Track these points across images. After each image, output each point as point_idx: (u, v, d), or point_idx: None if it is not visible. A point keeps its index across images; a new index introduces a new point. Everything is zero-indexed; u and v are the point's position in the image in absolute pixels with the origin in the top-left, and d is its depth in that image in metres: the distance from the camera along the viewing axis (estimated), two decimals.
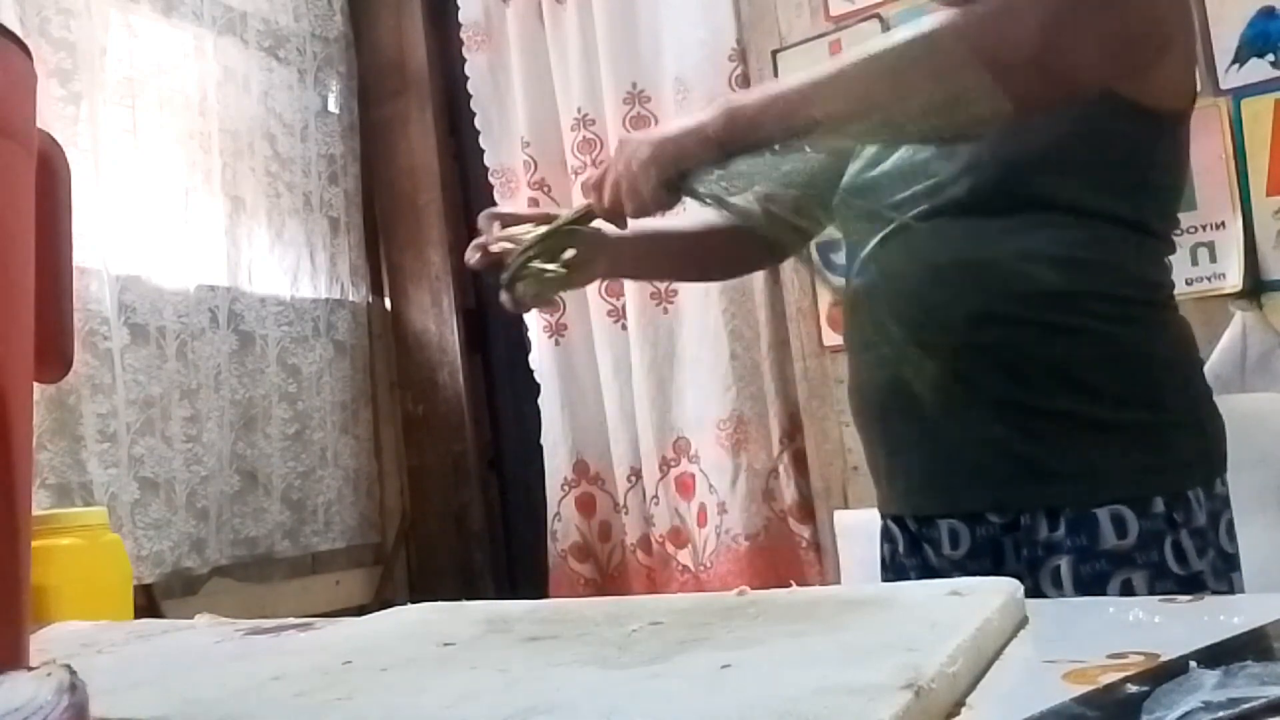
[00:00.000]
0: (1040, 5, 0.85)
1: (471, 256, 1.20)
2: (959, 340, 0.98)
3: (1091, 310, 0.96)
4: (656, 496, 2.50)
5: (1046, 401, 0.96)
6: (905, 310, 1.01)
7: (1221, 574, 0.95)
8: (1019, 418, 0.96)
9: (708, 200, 0.98)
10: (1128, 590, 0.92)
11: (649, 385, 2.49)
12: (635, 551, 2.57)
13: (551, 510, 2.68)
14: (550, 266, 1.10)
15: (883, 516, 1.13)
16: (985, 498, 1.00)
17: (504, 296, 1.14)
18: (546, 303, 1.17)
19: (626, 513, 2.59)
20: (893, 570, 1.10)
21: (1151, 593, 0.91)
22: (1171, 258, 1.04)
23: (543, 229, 1.13)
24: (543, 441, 2.71)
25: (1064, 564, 0.94)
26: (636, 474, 2.57)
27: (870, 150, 1.10)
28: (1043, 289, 0.96)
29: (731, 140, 0.94)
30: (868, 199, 1.06)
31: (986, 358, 0.97)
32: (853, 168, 1.12)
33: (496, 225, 1.20)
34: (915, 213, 0.99)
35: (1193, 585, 0.92)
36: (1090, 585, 0.92)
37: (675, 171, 0.96)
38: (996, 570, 0.97)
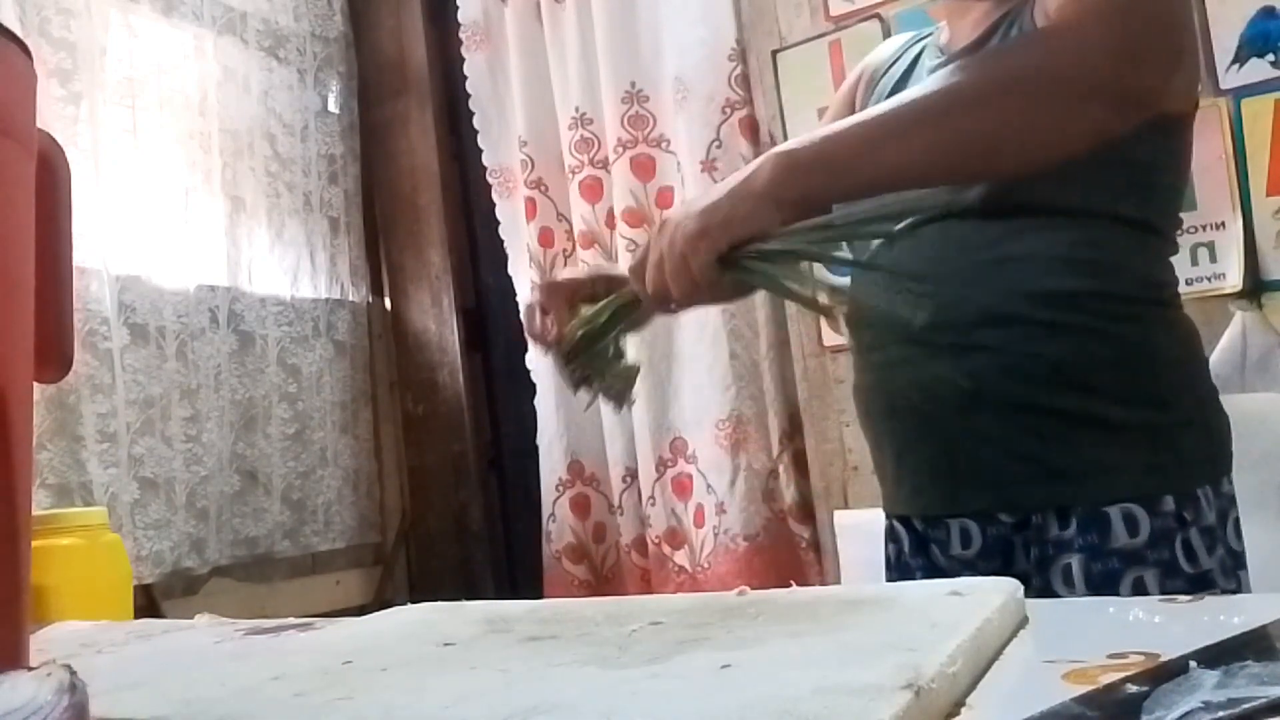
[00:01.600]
0: (1112, 31, 0.83)
1: (540, 350, 1.06)
2: (968, 341, 0.98)
3: (1100, 310, 0.96)
4: (653, 497, 2.50)
5: (1056, 401, 0.96)
6: None
7: (1230, 572, 0.95)
8: (1029, 418, 0.97)
9: (764, 278, 0.87)
10: (1139, 588, 0.92)
11: (646, 385, 2.48)
12: (630, 552, 2.57)
13: (546, 511, 2.68)
14: (620, 362, 0.98)
15: (888, 516, 1.13)
16: (996, 498, 1.00)
17: (579, 391, 1.02)
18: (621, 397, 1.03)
19: (622, 514, 2.59)
20: (898, 570, 1.10)
21: (1163, 591, 0.91)
22: (1174, 257, 1.05)
23: (591, 312, 0.99)
24: (538, 442, 2.71)
25: (1076, 562, 0.94)
26: (632, 475, 2.57)
27: None
28: (1051, 289, 0.96)
29: (788, 196, 0.85)
30: (873, 199, 1.06)
31: (996, 358, 0.97)
32: None
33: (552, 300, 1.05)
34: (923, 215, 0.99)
35: (1202, 583, 0.93)
36: (1102, 583, 0.93)
37: (727, 243, 0.85)
38: (1007, 569, 0.97)
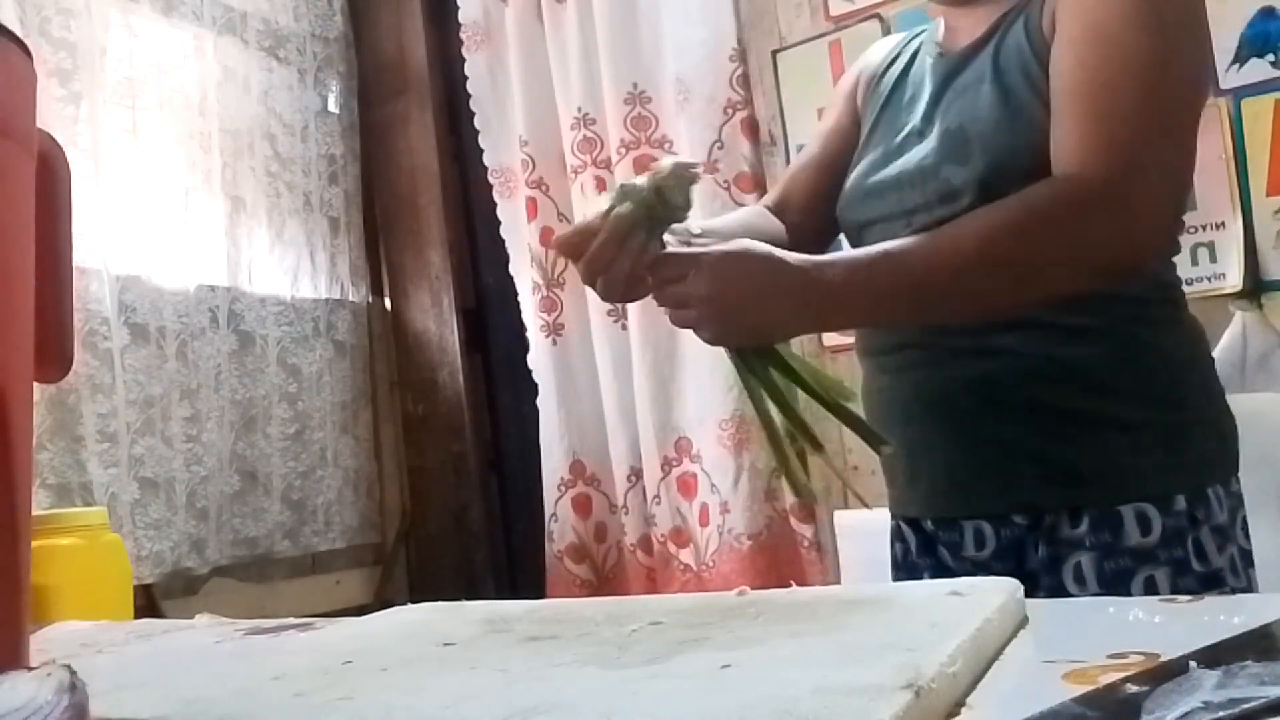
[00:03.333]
0: (1155, 187, 0.87)
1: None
2: (983, 345, 0.98)
3: (1110, 312, 0.96)
4: (658, 496, 2.50)
5: (1072, 403, 0.97)
6: None
7: (1240, 570, 0.96)
8: (1045, 420, 0.97)
9: (752, 378, 0.92)
10: (1151, 586, 0.92)
11: (650, 385, 2.49)
12: (636, 551, 2.57)
13: (548, 511, 2.68)
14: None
15: (894, 517, 1.13)
16: (1012, 499, 1.00)
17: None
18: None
19: (626, 513, 2.59)
20: (905, 570, 1.10)
21: (1174, 589, 0.92)
22: (1174, 257, 1.05)
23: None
24: (540, 442, 2.71)
25: (1087, 561, 0.94)
26: (637, 474, 2.57)
27: (874, 153, 1.10)
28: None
29: (824, 326, 0.89)
30: (877, 203, 1.06)
31: (1011, 361, 0.98)
32: (858, 169, 1.11)
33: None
34: (931, 217, 0.99)
35: (1213, 582, 0.93)
36: (1114, 582, 0.93)
37: (747, 346, 0.91)
38: (1020, 569, 0.97)
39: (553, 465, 2.68)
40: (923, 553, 1.08)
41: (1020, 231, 0.87)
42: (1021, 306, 0.93)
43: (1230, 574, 0.95)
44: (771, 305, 0.87)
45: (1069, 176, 0.88)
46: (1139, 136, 0.87)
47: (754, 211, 1.22)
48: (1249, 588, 0.96)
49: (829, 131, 1.23)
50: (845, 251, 0.98)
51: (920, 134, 1.04)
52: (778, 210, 1.20)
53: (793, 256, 0.89)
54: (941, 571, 1.04)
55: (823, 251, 1.20)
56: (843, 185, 1.13)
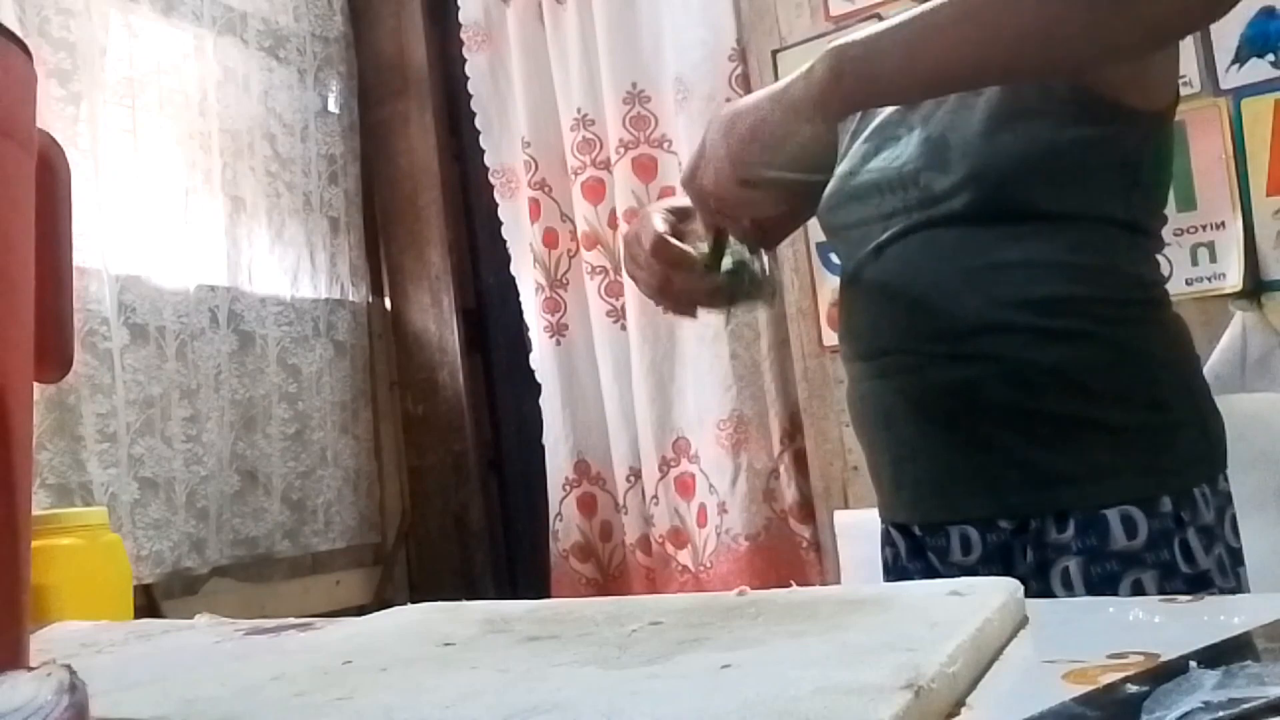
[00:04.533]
0: None
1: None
2: (963, 349, 0.98)
3: (1092, 314, 0.96)
4: (656, 496, 2.50)
5: (1054, 406, 0.96)
6: (906, 319, 1.01)
7: (1228, 570, 0.95)
8: (1027, 424, 0.97)
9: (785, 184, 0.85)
10: (1138, 590, 0.92)
11: (649, 385, 2.49)
12: (635, 552, 2.57)
13: (553, 510, 2.69)
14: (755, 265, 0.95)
15: (884, 522, 1.13)
16: (996, 504, 1.00)
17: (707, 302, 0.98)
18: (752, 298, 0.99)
19: (626, 513, 2.59)
20: (895, 574, 1.10)
21: (1161, 592, 0.91)
22: (1166, 255, 1.04)
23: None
24: (544, 441, 2.71)
25: (1074, 565, 0.94)
26: (636, 474, 2.57)
27: (853, 156, 1.09)
28: (1045, 296, 0.96)
29: (833, 106, 0.82)
30: (857, 206, 1.06)
31: (992, 365, 0.97)
32: (838, 173, 1.10)
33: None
34: (910, 222, 0.99)
35: (1201, 583, 0.93)
36: (1101, 586, 0.93)
37: (757, 152, 0.83)
38: (1007, 574, 0.97)
39: (557, 465, 2.69)
40: (912, 557, 1.08)
41: None
42: (1093, 23, 0.77)
43: (1218, 575, 0.94)
44: (781, 98, 0.82)
45: None
46: None
47: None
48: (1238, 588, 0.95)
49: None
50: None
51: (900, 141, 1.04)
52: None
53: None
54: (931, 576, 1.04)
55: (778, 241, 1.21)
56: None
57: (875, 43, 0.81)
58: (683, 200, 0.98)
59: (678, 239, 0.97)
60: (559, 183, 2.71)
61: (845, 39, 0.83)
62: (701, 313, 1.03)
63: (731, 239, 0.95)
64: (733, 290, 0.96)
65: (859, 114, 1.13)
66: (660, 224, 0.98)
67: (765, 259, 0.98)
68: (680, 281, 0.97)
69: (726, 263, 0.94)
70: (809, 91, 0.83)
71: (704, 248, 0.95)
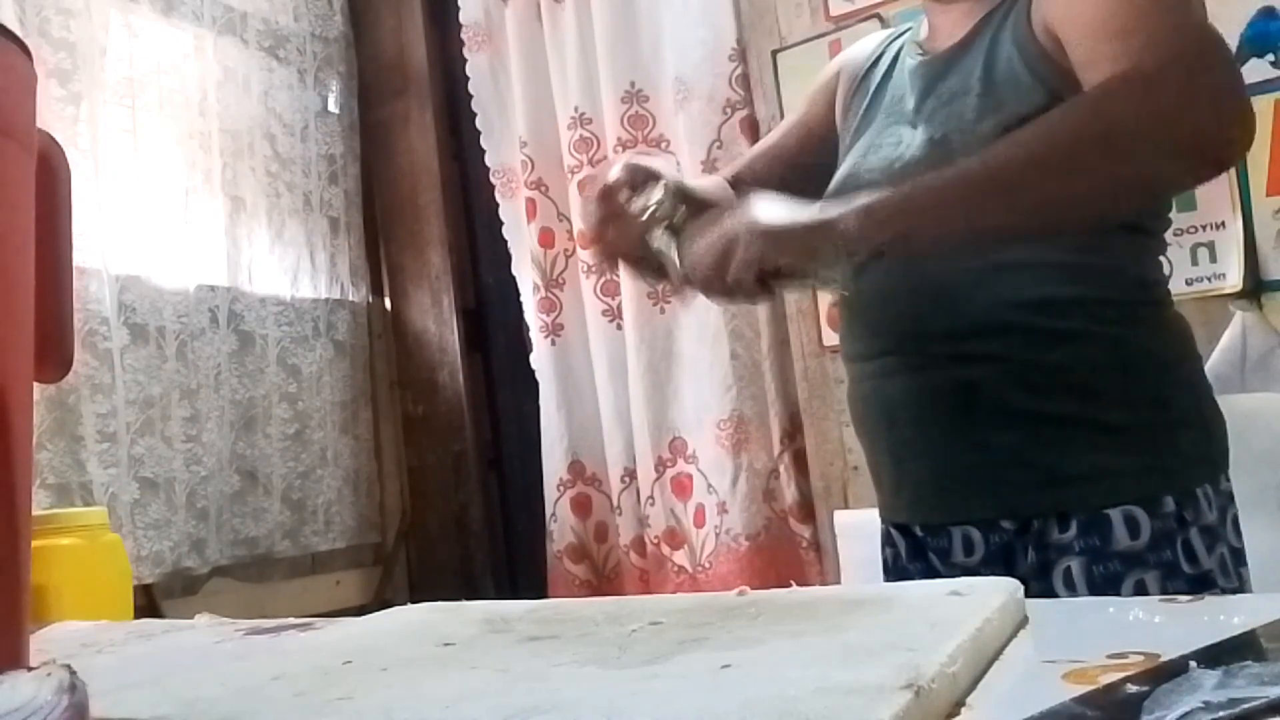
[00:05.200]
0: (1197, 82, 0.81)
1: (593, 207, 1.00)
2: (966, 350, 0.98)
3: (1094, 314, 0.96)
4: (652, 497, 2.50)
5: (1057, 407, 0.96)
6: (908, 319, 1.01)
7: (1230, 570, 0.95)
8: (1030, 424, 0.97)
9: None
10: (1140, 590, 0.92)
11: (645, 385, 2.49)
12: (629, 553, 2.57)
13: (548, 511, 2.68)
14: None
15: (884, 523, 1.12)
16: (999, 505, 1.00)
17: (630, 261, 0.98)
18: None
19: (620, 514, 2.59)
20: (895, 575, 1.10)
21: (1164, 592, 0.91)
22: (1166, 255, 1.04)
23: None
24: (540, 442, 2.71)
25: (1077, 565, 0.94)
26: (631, 475, 2.57)
27: (856, 155, 1.09)
28: (1047, 297, 0.96)
29: (863, 248, 0.84)
30: None
31: (994, 366, 0.97)
32: (841, 172, 1.10)
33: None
34: None
35: (1203, 583, 0.93)
36: (1103, 586, 0.93)
37: (778, 266, 0.85)
38: (1009, 575, 0.96)
39: (553, 465, 2.69)
40: (913, 558, 1.08)
41: (1084, 112, 0.81)
42: (1112, 195, 0.84)
43: (1220, 575, 0.94)
44: (817, 228, 0.84)
45: (1113, 74, 0.82)
46: (1182, 39, 0.82)
47: (717, 183, 1.19)
48: (1240, 588, 0.96)
49: (794, 124, 1.23)
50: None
51: (903, 141, 1.04)
52: (733, 186, 1.18)
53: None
54: (931, 577, 1.04)
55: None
56: (790, 178, 1.11)
57: (907, 203, 0.84)
58: (653, 161, 1.01)
59: (630, 192, 0.98)
60: (556, 182, 2.71)
61: (880, 196, 0.84)
62: (624, 270, 1.02)
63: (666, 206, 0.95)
64: (660, 265, 0.95)
65: (859, 111, 1.13)
66: (617, 173, 0.99)
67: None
68: (613, 234, 0.98)
69: (663, 238, 0.93)
70: (845, 232, 0.83)
71: (650, 203, 0.95)
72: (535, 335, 2.73)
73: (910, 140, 1.02)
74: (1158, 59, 0.81)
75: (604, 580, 2.65)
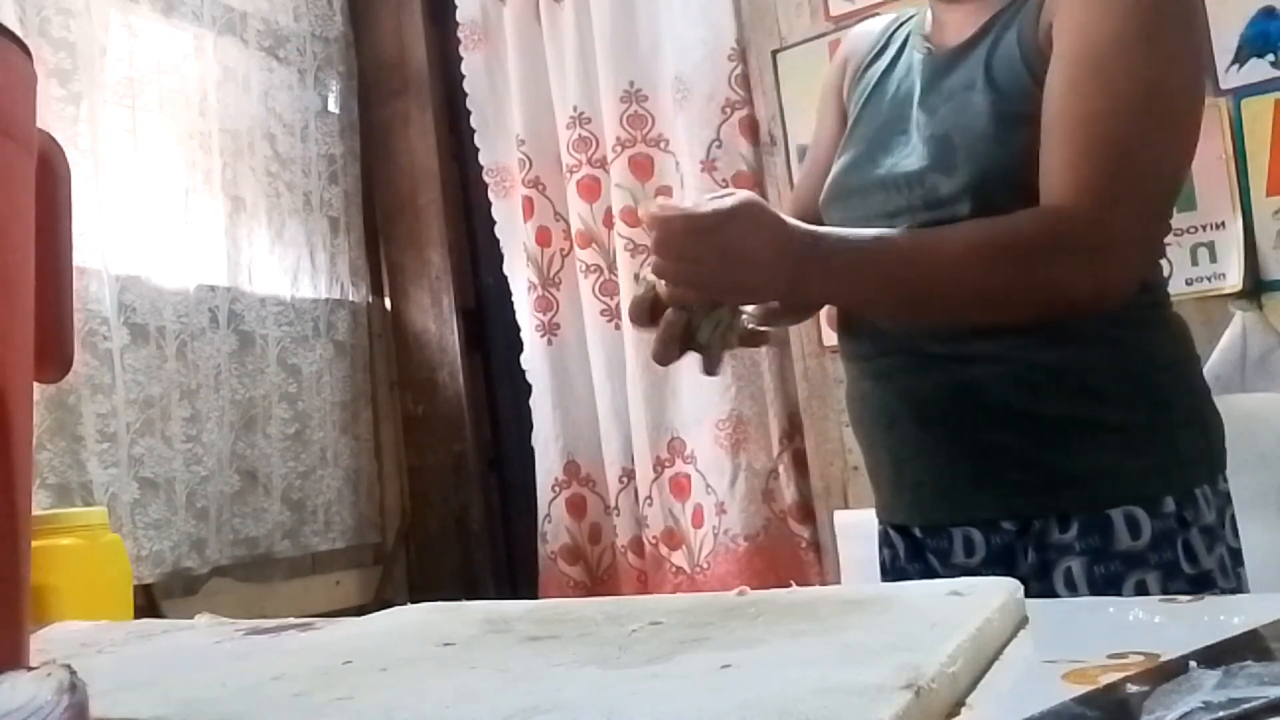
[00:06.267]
0: (1134, 230, 0.89)
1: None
2: (966, 350, 0.98)
3: (1096, 315, 0.96)
4: (650, 497, 2.50)
5: (1057, 408, 0.96)
6: (909, 320, 1.01)
7: (1229, 570, 0.96)
8: (1031, 425, 0.97)
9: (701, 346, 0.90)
10: (1142, 590, 0.92)
11: (643, 385, 2.48)
12: (626, 553, 2.57)
13: (542, 512, 2.68)
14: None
15: (881, 523, 1.12)
16: (1000, 505, 1.00)
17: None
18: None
19: (618, 514, 2.59)
20: (894, 576, 1.10)
21: (1165, 592, 0.91)
22: (1169, 257, 1.05)
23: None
24: (534, 442, 2.71)
25: (1078, 565, 0.94)
26: (629, 475, 2.56)
27: (857, 149, 1.09)
28: None
29: (796, 296, 0.91)
30: (861, 203, 1.05)
31: (995, 367, 0.97)
32: (841, 165, 1.10)
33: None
34: (915, 222, 0.98)
35: (1203, 583, 0.93)
36: (1104, 586, 0.93)
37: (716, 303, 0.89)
38: (1009, 576, 0.96)
39: (547, 466, 2.68)
40: (911, 558, 1.08)
41: (997, 257, 0.89)
42: (980, 321, 0.96)
43: (1220, 575, 0.94)
44: (773, 268, 0.87)
45: (1054, 213, 0.89)
46: (1124, 174, 0.88)
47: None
48: (1239, 588, 0.96)
49: (827, 141, 1.21)
50: (843, 230, 0.97)
51: (905, 135, 1.03)
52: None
53: (794, 223, 0.91)
54: (930, 578, 1.04)
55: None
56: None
57: (829, 259, 0.91)
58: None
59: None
60: (553, 181, 2.71)
61: (822, 247, 0.91)
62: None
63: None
64: (712, 347, 0.95)
65: (859, 106, 1.13)
66: (641, 289, 0.95)
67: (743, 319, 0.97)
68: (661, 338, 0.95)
69: (705, 332, 0.93)
70: (788, 285, 0.89)
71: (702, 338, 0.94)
72: (529, 334, 2.72)
73: (913, 136, 1.02)
74: (1091, 197, 0.87)
75: (597, 582, 2.65)
